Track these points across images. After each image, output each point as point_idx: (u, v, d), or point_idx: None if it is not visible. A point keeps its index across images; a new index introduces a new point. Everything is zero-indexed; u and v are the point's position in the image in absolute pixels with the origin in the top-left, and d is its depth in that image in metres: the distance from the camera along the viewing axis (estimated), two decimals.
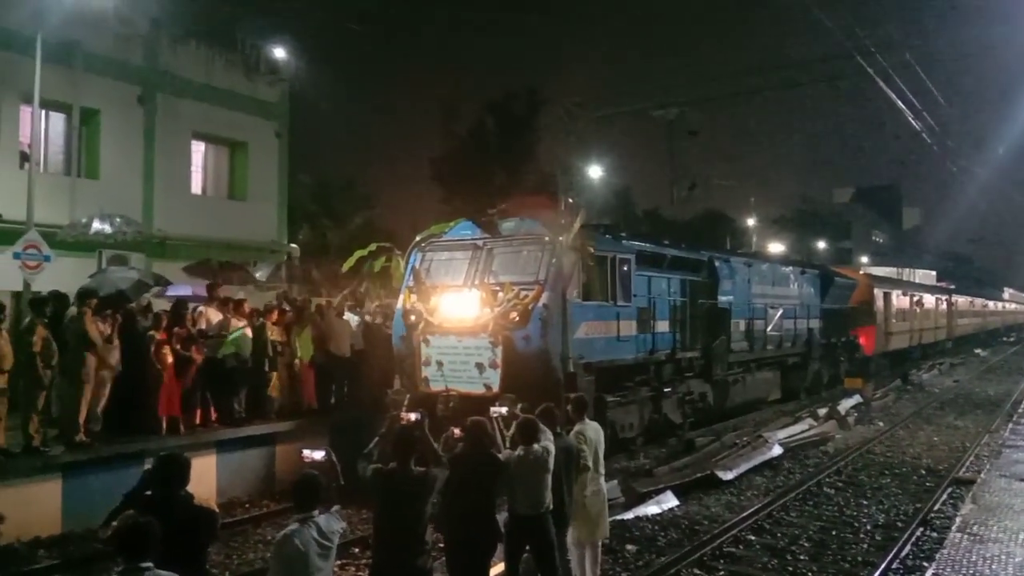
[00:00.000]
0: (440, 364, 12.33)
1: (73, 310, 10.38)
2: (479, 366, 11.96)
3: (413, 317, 12.76)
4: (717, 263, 17.63)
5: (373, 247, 14.29)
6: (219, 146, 22.25)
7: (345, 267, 15.42)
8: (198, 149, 21.72)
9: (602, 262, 13.36)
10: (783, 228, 57.67)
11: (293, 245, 23.61)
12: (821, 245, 62.68)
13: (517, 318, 11.93)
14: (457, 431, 6.64)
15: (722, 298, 17.40)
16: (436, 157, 39.88)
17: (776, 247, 46.05)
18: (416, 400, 11.64)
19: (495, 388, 11.51)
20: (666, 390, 15.09)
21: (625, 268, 13.91)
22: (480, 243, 13.14)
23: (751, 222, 47.56)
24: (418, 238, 13.95)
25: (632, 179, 72.50)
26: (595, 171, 32.63)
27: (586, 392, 12.00)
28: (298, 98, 23.82)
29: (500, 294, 12.12)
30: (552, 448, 6.61)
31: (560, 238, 12.49)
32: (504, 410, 7.18)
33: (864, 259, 66.01)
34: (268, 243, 22.13)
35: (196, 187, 21.73)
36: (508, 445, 6.89)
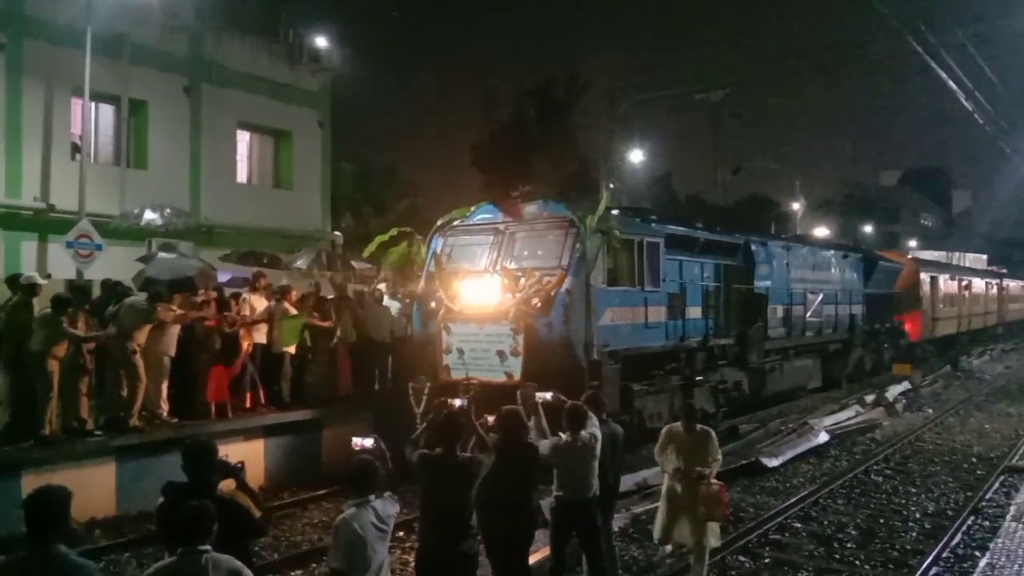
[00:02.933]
0: (461, 352, 11.92)
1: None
2: (500, 354, 11.54)
3: (433, 304, 12.41)
4: (753, 247, 17.18)
5: (394, 232, 14.10)
6: (264, 135, 22.56)
7: (365, 253, 15.28)
8: (243, 138, 22.05)
9: (629, 246, 12.91)
10: (829, 212, 56.69)
11: (337, 233, 23.83)
12: (868, 229, 61.47)
13: (539, 304, 11.52)
14: (491, 419, 6.61)
15: (758, 283, 16.96)
16: (476, 144, 39.93)
17: (822, 231, 45.30)
18: (436, 389, 11.41)
19: (517, 376, 11.17)
20: (698, 379, 14.62)
21: (654, 252, 13.45)
22: (502, 227, 12.74)
23: (796, 206, 46.83)
24: (439, 222, 13.55)
25: (674, 164, 71.72)
26: (636, 156, 32.46)
27: (611, 380, 11.73)
28: (340, 86, 24.04)
29: (522, 280, 11.71)
30: (599, 434, 6.63)
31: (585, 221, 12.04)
32: (548, 395, 7.18)
33: (912, 243, 64.50)
34: (312, 231, 22.39)
35: (242, 176, 22.06)
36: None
